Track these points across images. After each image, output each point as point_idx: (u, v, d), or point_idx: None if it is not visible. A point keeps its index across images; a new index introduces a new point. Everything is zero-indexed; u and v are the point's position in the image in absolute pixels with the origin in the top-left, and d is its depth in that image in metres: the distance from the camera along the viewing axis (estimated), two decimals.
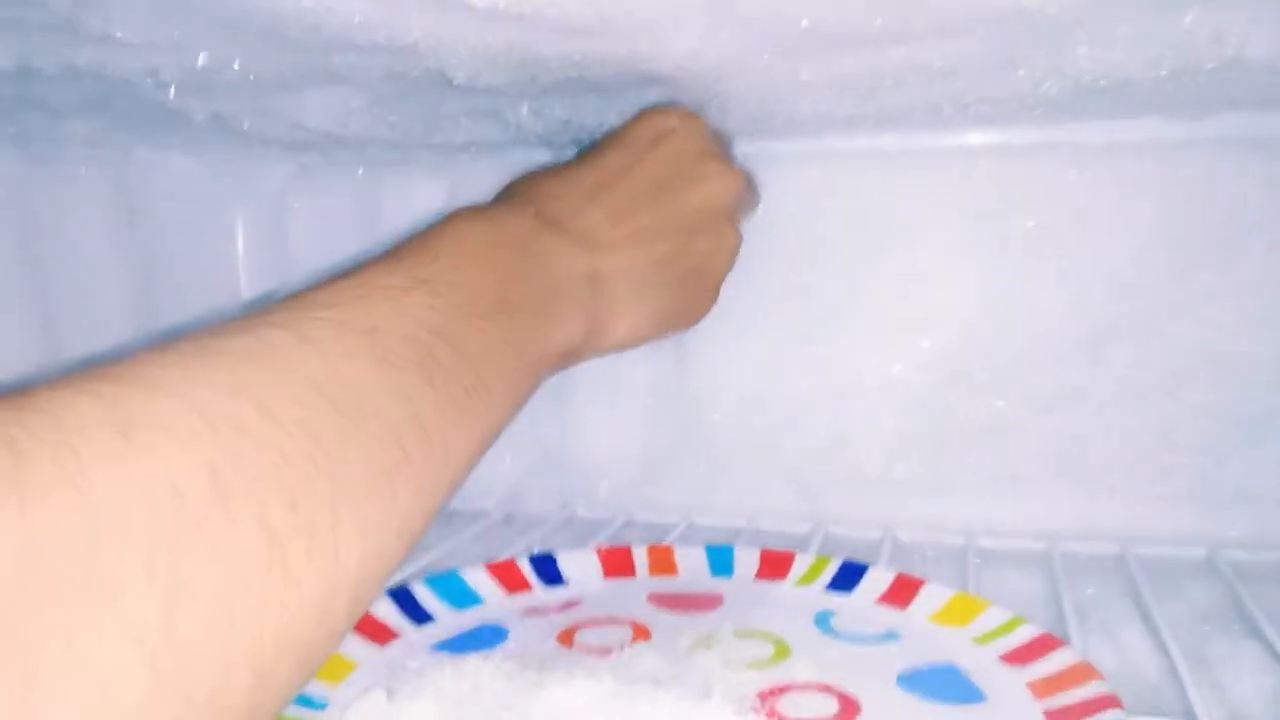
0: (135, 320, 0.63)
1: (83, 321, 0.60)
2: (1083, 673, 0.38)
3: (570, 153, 0.63)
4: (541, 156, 0.62)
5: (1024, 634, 0.42)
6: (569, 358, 0.41)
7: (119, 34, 0.34)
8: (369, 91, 0.47)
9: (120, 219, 0.62)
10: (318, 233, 0.70)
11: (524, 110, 0.51)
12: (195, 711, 0.20)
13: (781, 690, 0.39)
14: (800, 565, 0.52)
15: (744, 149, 0.57)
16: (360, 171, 0.67)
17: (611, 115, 0.53)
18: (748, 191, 0.50)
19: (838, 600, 0.49)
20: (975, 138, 0.57)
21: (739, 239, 0.49)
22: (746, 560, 0.53)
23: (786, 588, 0.51)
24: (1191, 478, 0.57)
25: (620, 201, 0.43)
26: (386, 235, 0.68)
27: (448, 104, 0.50)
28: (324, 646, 0.24)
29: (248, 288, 0.71)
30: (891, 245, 0.60)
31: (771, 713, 0.37)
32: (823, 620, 0.46)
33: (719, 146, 0.49)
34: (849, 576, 0.50)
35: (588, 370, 0.58)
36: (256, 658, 0.21)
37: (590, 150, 0.47)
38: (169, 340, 0.25)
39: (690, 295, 0.47)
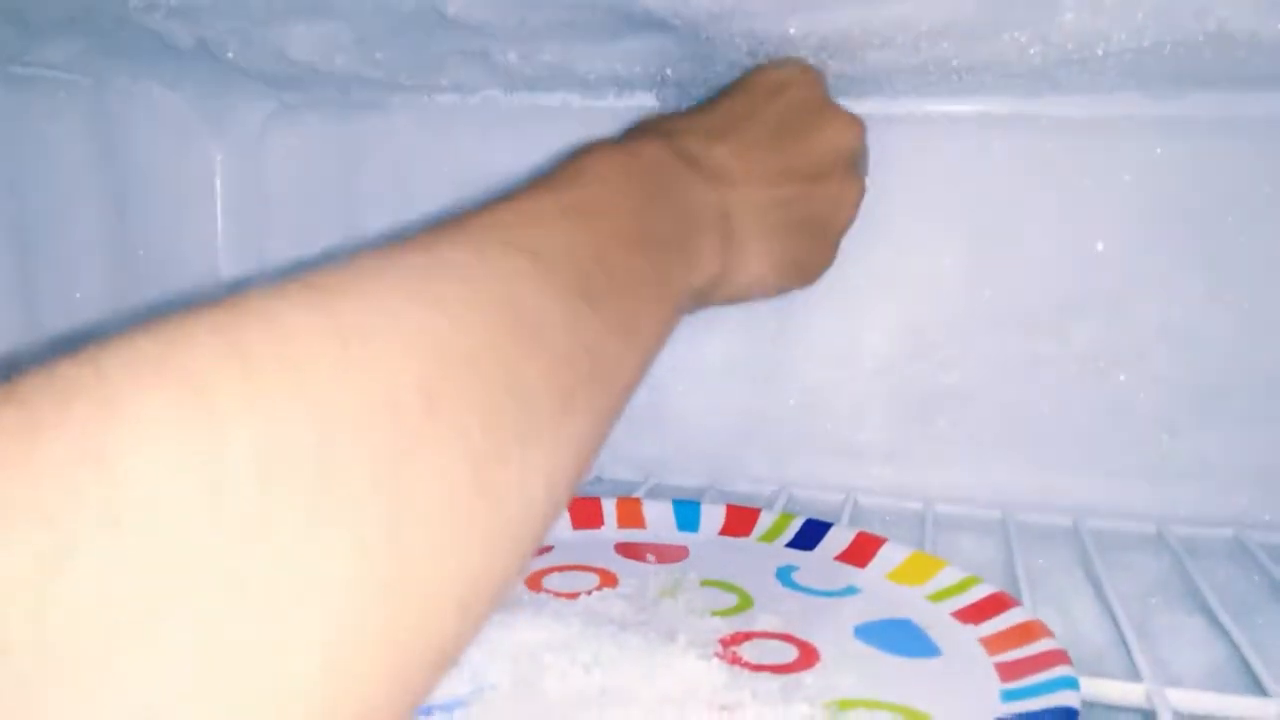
0: (110, 248, 0.62)
1: (57, 246, 0.59)
2: (1033, 630, 0.39)
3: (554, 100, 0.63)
4: (532, 100, 0.62)
5: (977, 593, 0.43)
6: (701, 298, 0.39)
7: None
8: (358, 26, 0.46)
9: (97, 148, 0.61)
10: (297, 171, 0.69)
11: (512, 55, 0.51)
12: (408, 638, 0.19)
13: (744, 637, 0.40)
14: (764, 522, 0.53)
15: None
16: (342, 111, 0.66)
17: (598, 62, 0.53)
18: (866, 144, 0.50)
19: (799, 556, 0.49)
20: (957, 106, 0.57)
21: (863, 190, 0.49)
22: (712, 516, 0.54)
23: (750, 543, 0.52)
24: (1145, 452, 0.58)
25: (746, 142, 0.42)
26: (366, 177, 0.68)
27: (437, 43, 0.50)
28: (513, 580, 0.23)
29: (224, 223, 0.70)
30: (865, 211, 0.60)
31: (734, 658, 0.38)
32: (784, 574, 0.47)
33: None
34: (811, 534, 0.51)
35: None
36: (461, 586, 0.20)
37: (710, 100, 0.46)
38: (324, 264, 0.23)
39: (813, 245, 0.47)
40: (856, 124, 0.47)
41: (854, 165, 0.48)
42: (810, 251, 0.47)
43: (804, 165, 0.44)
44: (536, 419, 0.23)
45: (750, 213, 0.41)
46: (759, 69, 0.47)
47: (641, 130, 0.42)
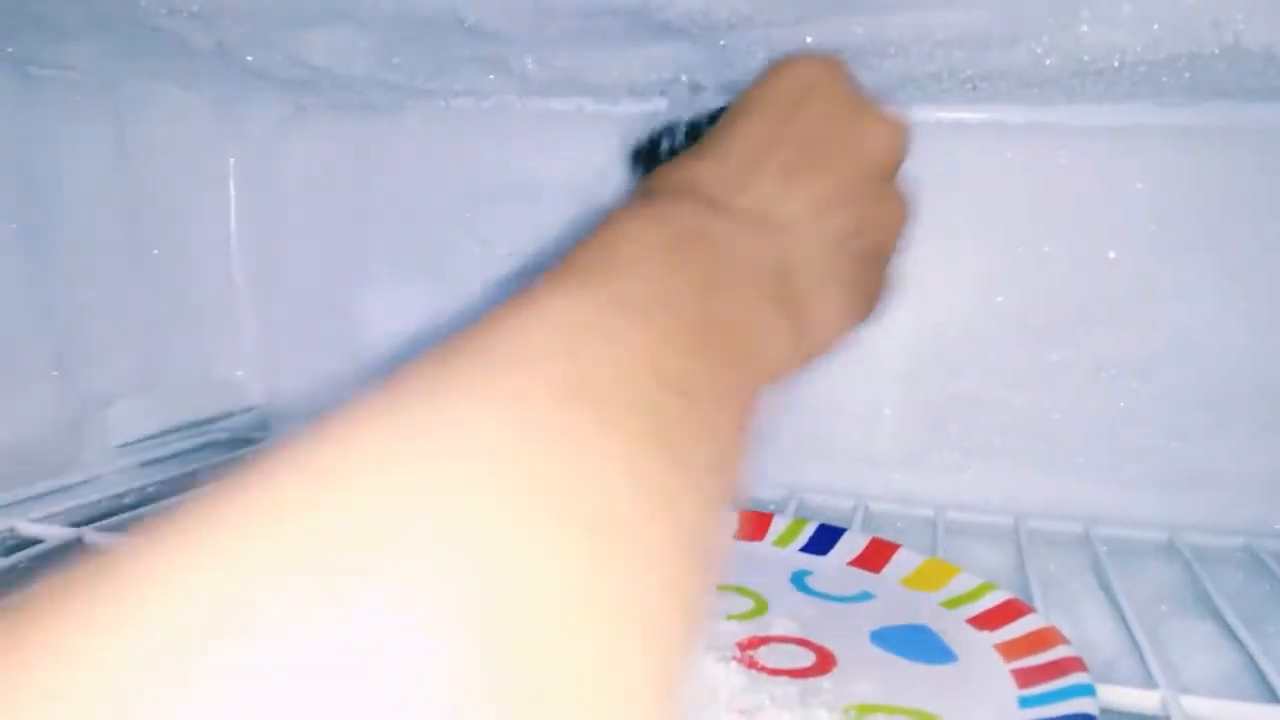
0: (124, 247, 0.63)
1: (73, 243, 0.59)
2: (1049, 637, 0.39)
3: (568, 104, 0.63)
4: (546, 105, 0.63)
5: (992, 599, 0.43)
6: (779, 370, 0.33)
7: None
8: (376, 32, 0.47)
9: (113, 148, 0.61)
10: (310, 174, 0.69)
11: (528, 61, 0.51)
12: None
13: (761, 641, 0.40)
14: (777, 526, 0.53)
15: None
16: (357, 114, 0.67)
17: (614, 69, 0.54)
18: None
19: (813, 561, 0.50)
20: (971, 114, 0.58)
21: (911, 203, 0.41)
22: (725, 520, 0.54)
23: (764, 547, 0.52)
24: (1156, 460, 0.58)
25: (781, 172, 0.35)
26: (380, 179, 0.68)
27: (453, 49, 0.50)
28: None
29: (237, 225, 0.70)
30: None
31: (751, 662, 0.38)
32: (799, 579, 0.47)
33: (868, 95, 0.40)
34: (825, 539, 0.51)
35: None
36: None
37: (727, 120, 0.38)
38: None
39: (874, 275, 0.40)
40: (901, 126, 0.40)
41: (896, 177, 0.41)
42: (872, 282, 0.40)
43: (851, 185, 0.37)
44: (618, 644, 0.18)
45: (808, 258, 0.35)
46: (775, 71, 0.39)
47: (662, 188, 0.35)
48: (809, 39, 0.46)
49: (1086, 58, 0.44)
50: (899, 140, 0.40)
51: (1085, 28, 0.41)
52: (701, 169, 0.35)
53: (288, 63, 0.52)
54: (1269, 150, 0.55)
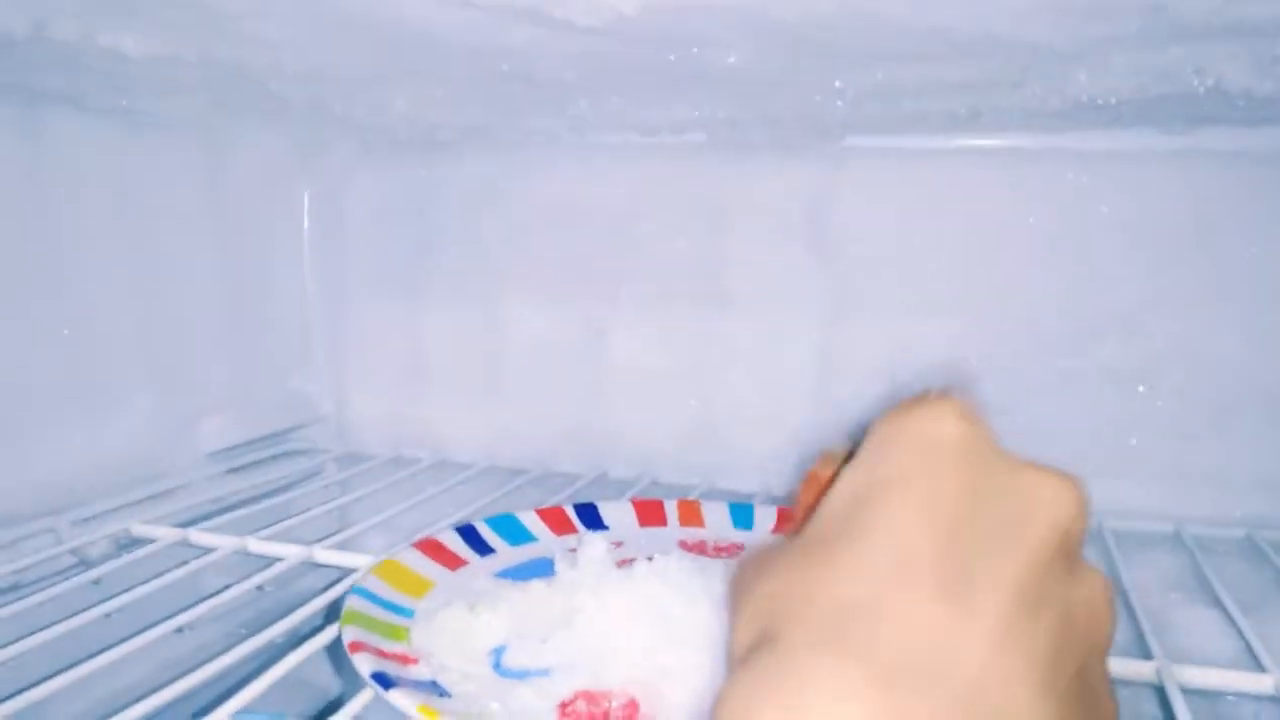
0: (217, 277, 0.69)
1: (172, 274, 0.66)
2: None
3: (616, 138, 0.70)
4: (596, 139, 0.69)
5: None
6: None
7: (268, 34, 0.39)
8: (453, 85, 0.52)
9: (206, 181, 0.67)
10: (376, 207, 0.76)
11: (584, 103, 0.57)
12: None
13: None
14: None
15: (772, 144, 0.63)
16: (419, 153, 0.73)
17: (658, 110, 0.59)
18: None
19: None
20: (985, 141, 0.63)
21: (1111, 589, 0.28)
22: (764, 516, 0.59)
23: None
24: (1164, 460, 0.63)
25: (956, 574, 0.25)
26: (439, 212, 0.75)
27: (519, 97, 0.56)
28: None
29: (310, 256, 0.77)
30: (903, 235, 0.66)
31: None
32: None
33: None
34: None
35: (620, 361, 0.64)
36: None
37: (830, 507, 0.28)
38: None
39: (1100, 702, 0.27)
40: (1070, 482, 0.27)
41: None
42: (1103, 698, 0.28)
43: (1042, 569, 0.25)
44: None
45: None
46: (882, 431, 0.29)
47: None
48: (837, 84, 0.51)
49: (1085, 98, 0.49)
50: (1078, 498, 0.27)
51: (1082, 75, 0.47)
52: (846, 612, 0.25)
53: (369, 111, 0.58)
54: (1263, 169, 0.60)
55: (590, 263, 0.73)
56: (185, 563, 0.53)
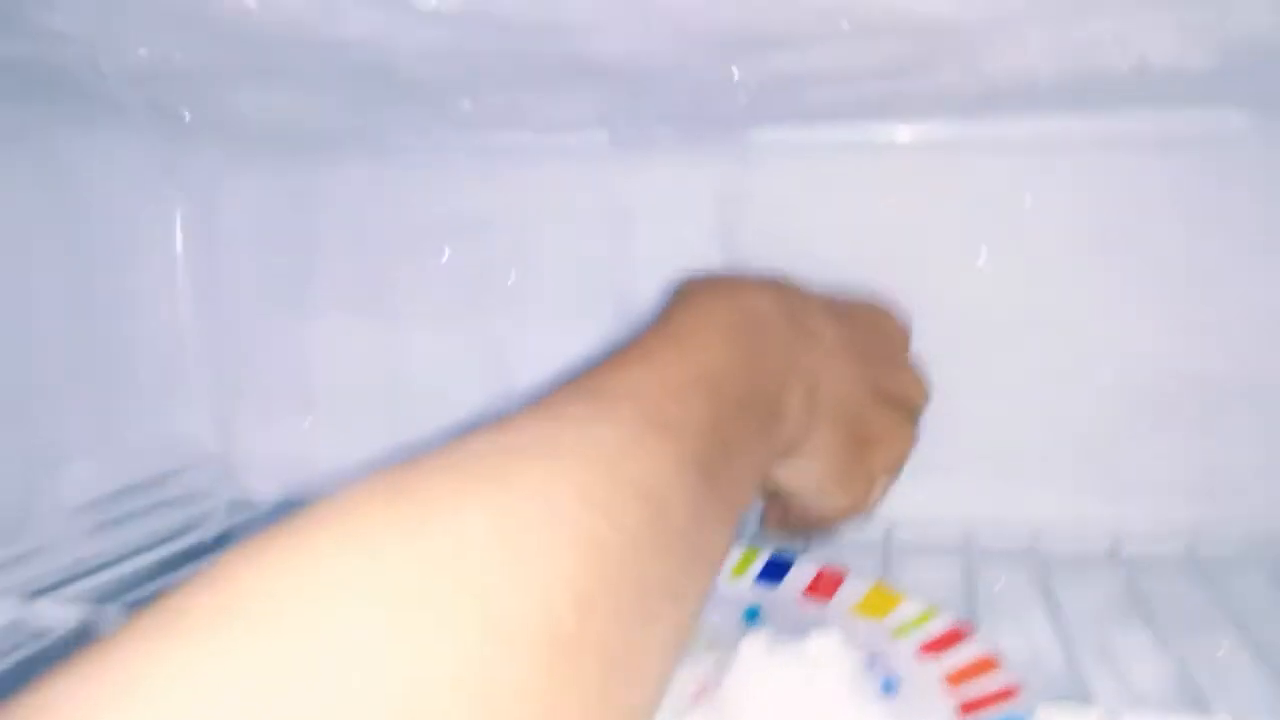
0: (69, 305, 0.62)
1: (11, 304, 0.59)
2: (989, 663, 0.39)
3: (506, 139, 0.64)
4: (484, 139, 0.63)
5: (937, 626, 0.44)
6: (776, 460, 0.39)
7: (62, 27, 0.34)
8: (307, 84, 0.47)
9: (51, 198, 0.60)
10: (253, 219, 0.70)
11: (465, 103, 0.51)
12: None
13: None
14: (732, 557, 0.53)
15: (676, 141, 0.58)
16: (296, 159, 0.67)
17: (548, 107, 0.54)
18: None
19: (765, 594, 0.50)
20: (900, 131, 0.59)
21: (914, 444, 0.47)
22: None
23: (720, 581, 0.52)
24: (1097, 465, 0.59)
25: (843, 333, 0.42)
26: (321, 221, 0.68)
27: (388, 95, 0.50)
28: None
29: (183, 270, 0.70)
30: (816, 233, 0.61)
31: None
32: (751, 617, 0.48)
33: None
34: (776, 570, 0.51)
35: None
36: None
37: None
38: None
39: (862, 469, 0.44)
40: (927, 388, 0.49)
41: (915, 419, 0.48)
42: (859, 471, 0.45)
43: (881, 386, 0.44)
44: (659, 618, 0.24)
45: (833, 389, 0.40)
46: (865, 307, 0.49)
47: (742, 277, 0.41)
48: (736, 74, 0.46)
49: (1002, 80, 0.45)
50: (924, 393, 0.48)
51: (998, 54, 0.42)
52: (783, 287, 0.42)
53: (222, 114, 0.52)
54: (1191, 155, 0.56)
55: (490, 275, 0.67)
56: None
